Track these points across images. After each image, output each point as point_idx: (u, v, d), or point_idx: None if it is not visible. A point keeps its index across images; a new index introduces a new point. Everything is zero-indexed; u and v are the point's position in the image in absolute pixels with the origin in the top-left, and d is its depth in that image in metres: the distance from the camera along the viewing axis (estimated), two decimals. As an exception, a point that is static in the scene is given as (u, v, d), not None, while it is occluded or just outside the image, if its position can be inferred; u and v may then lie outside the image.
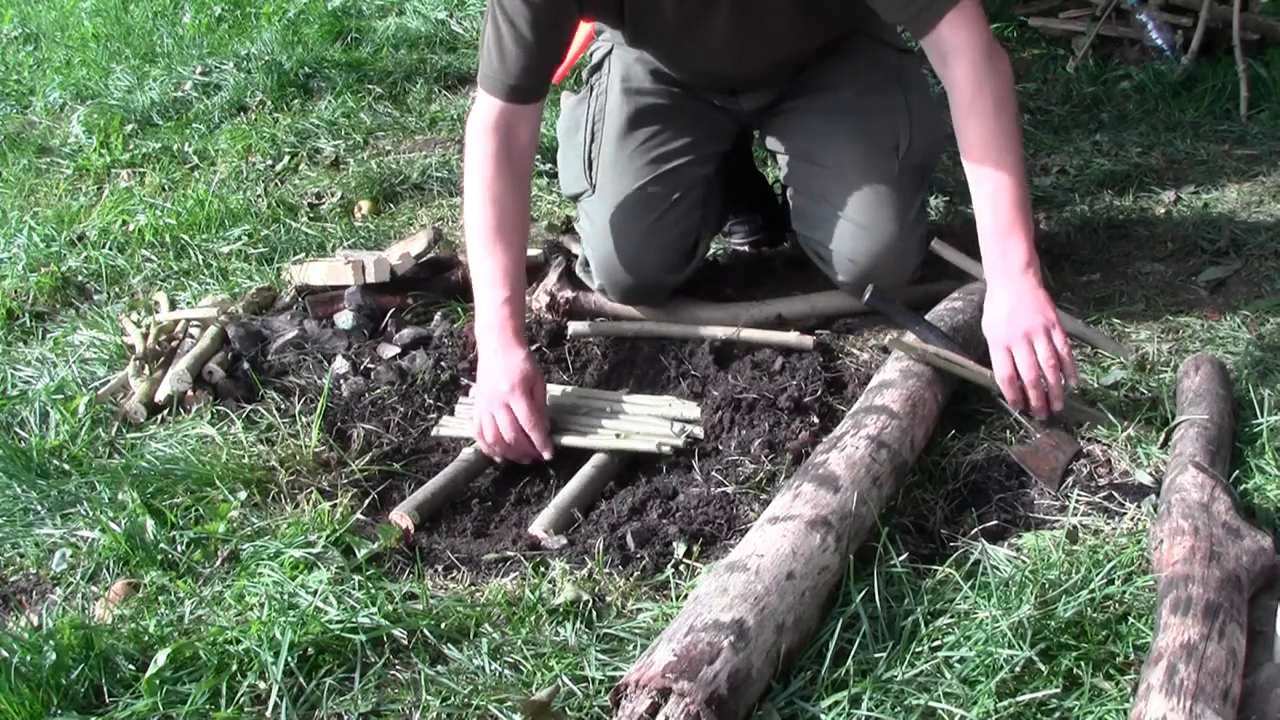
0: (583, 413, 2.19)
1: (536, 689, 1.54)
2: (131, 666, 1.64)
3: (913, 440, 1.91)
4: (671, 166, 2.47)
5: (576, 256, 2.74)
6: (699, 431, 2.12)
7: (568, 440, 2.11)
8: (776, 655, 1.47)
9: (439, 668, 1.61)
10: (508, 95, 2.22)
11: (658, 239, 2.41)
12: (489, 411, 2.08)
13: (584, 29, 2.65)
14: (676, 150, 2.48)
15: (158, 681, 1.59)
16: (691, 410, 2.17)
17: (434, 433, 2.22)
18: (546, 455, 2.08)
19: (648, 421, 2.15)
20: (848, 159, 2.42)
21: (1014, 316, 1.97)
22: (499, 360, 2.12)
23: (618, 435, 2.11)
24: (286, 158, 3.80)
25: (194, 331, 2.58)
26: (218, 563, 1.89)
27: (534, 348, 2.42)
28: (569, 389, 2.29)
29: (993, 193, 2.04)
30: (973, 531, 1.78)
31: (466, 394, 2.31)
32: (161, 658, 1.60)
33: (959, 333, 2.18)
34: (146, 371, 2.44)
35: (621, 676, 1.43)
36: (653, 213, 2.43)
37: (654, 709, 1.35)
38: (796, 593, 1.52)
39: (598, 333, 2.46)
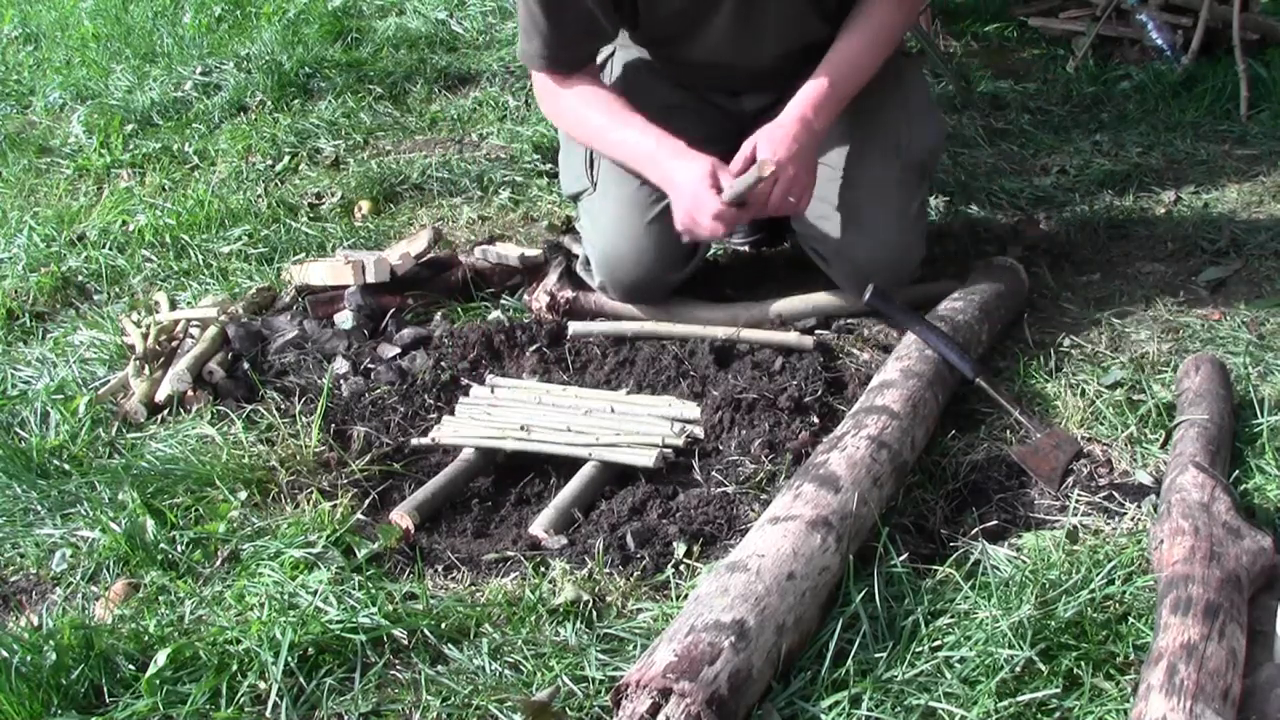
0: (582, 413, 2.19)
1: (536, 689, 1.54)
2: (131, 666, 1.64)
3: (913, 440, 1.91)
4: None
5: (577, 256, 2.74)
6: (699, 431, 2.12)
7: (558, 449, 2.10)
8: (777, 655, 1.47)
9: (439, 668, 1.61)
10: (550, 67, 2.41)
11: (658, 237, 2.41)
12: (689, 213, 2.24)
13: None
14: None
15: (158, 681, 1.59)
16: (691, 410, 2.17)
17: (431, 436, 2.20)
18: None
19: (647, 421, 2.15)
20: (847, 159, 2.42)
21: (799, 159, 2.20)
22: (681, 164, 2.26)
23: (617, 435, 2.10)
24: (286, 158, 3.80)
25: (194, 331, 2.58)
26: (218, 563, 1.89)
27: (534, 348, 2.43)
28: (568, 388, 2.29)
29: (834, 72, 2.27)
30: (973, 531, 1.78)
31: (467, 394, 2.31)
32: (161, 658, 1.60)
33: (959, 333, 2.18)
34: (146, 371, 2.44)
35: (621, 676, 1.43)
36: (654, 210, 2.43)
37: (655, 709, 1.35)
38: (797, 593, 1.52)
39: (598, 332, 2.46)
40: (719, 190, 2.20)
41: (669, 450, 2.07)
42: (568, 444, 2.10)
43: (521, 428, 2.15)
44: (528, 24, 2.35)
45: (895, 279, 2.38)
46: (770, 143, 2.21)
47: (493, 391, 2.30)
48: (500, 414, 2.22)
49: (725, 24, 2.34)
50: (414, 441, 2.20)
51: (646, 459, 2.03)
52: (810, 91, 2.27)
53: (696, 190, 2.21)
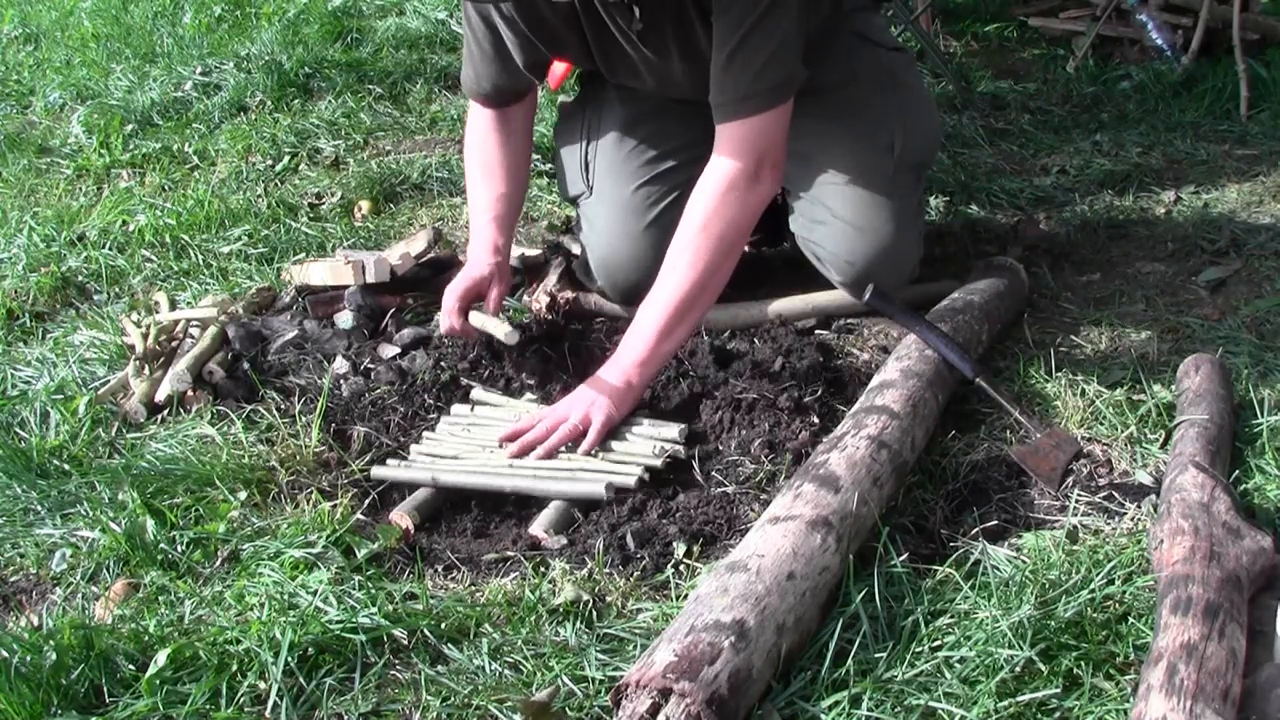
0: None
1: (536, 689, 1.54)
2: (131, 666, 1.64)
3: (913, 441, 1.91)
4: (668, 166, 2.48)
5: (576, 257, 2.74)
6: (679, 451, 2.06)
7: (516, 485, 2.02)
8: (777, 656, 1.47)
9: (439, 668, 1.61)
10: (487, 101, 2.45)
11: (656, 239, 2.41)
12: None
13: None
14: (673, 150, 2.49)
15: (158, 681, 1.59)
16: (670, 430, 2.10)
17: (375, 472, 2.11)
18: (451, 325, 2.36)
19: (626, 440, 2.10)
20: (842, 160, 2.41)
21: (570, 408, 2.08)
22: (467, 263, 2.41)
23: (595, 454, 2.06)
24: (286, 158, 3.80)
25: (194, 331, 2.58)
26: (218, 563, 1.89)
27: (534, 349, 2.42)
28: (544, 407, 2.22)
29: (658, 327, 2.10)
30: (973, 531, 1.78)
31: (449, 412, 2.27)
32: (161, 658, 1.60)
33: (959, 333, 2.18)
34: (146, 371, 2.44)
35: (621, 676, 1.43)
36: (651, 213, 2.43)
37: (655, 709, 1.35)
38: (797, 593, 1.52)
39: (403, 480, 2.14)
40: (480, 296, 2.37)
41: (640, 476, 1.98)
42: (524, 477, 2.02)
43: (501, 445, 2.10)
44: (469, 55, 2.44)
45: (893, 279, 2.38)
46: (580, 399, 2.10)
47: (473, 409, 2.25)
48: (479, 432, 2.17)
49: (684, 80, 2.32)
50: (374, 471, 2.10)
51: (598, 486, 1.96)
52: (633, 347, 2.12)
53: (450, 290, 2.36)
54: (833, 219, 2.40)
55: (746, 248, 2.87)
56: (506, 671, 1.59)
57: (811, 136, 2.45)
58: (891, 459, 1.82)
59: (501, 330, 2.34)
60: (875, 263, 2.37)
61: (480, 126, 2.49)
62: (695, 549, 1.81)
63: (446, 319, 2.36)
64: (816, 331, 2.47)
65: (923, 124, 2.48)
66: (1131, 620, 1.56)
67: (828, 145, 2.42)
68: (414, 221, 3.29)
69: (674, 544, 1.82)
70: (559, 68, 2.55)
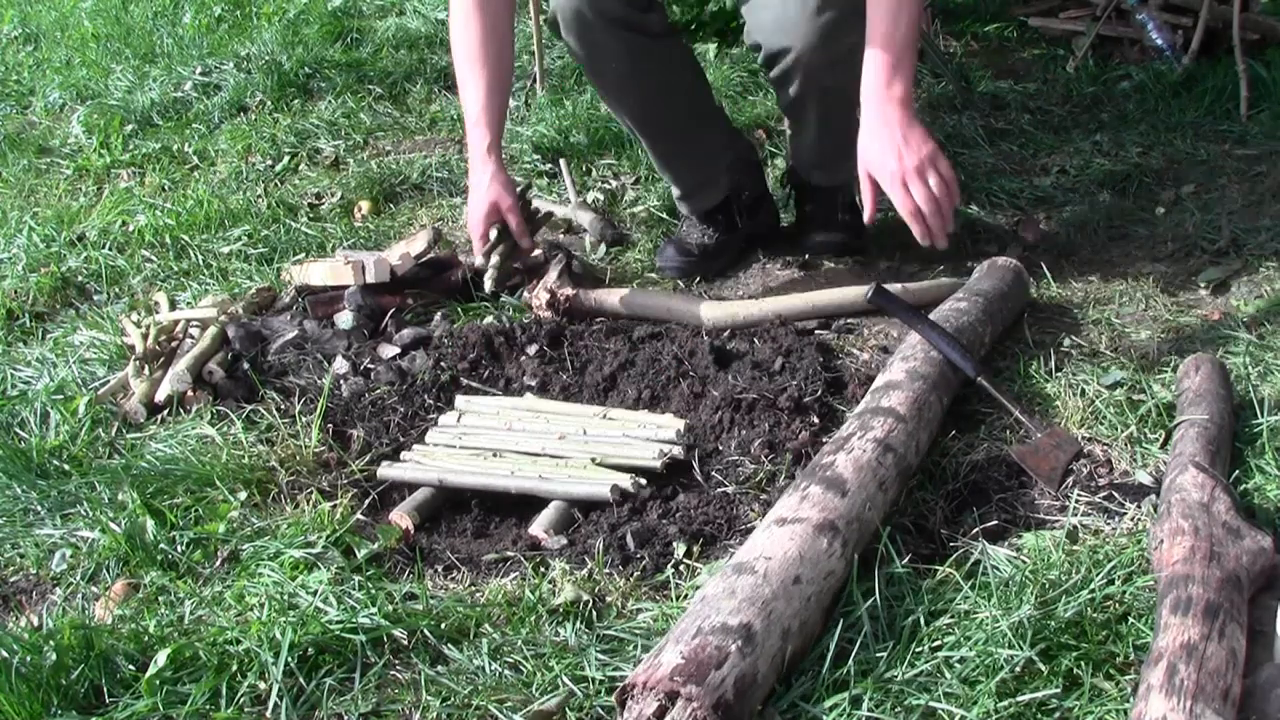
0: (554, 436, 2.14)
1: (536, 689, 1.54)
2: (131, 666, 1.64)
3: (918, 445, 1.91)
4: None
5: (576, 256, 2.74)
6: (679, 452, 2.06)
7: (521, 486, 2.02)
8: (781, 660, 1.47)
9: (439, 668, 1.61)
10: None
11: None
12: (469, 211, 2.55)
13: None
14: None
15: (158, 681, 1.59)
16: (668, 431, 2.10)
17: (380, 473, 2.12)
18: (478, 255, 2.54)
19: (624, 443, 2.11)
20: None
21: (904, 150, 2.08)
22: (471, 184, 2.55)
23: (592, 460, 2.06)
24: (286, 158, 3.80)
25: (194, 331, 2.58)
26: (218, 563, 1.89)
27: (534, 350, 2.42)
28: (540, 412, 2.23)
29: (885, 33, 2.12)
30: (973, 531, 1.78)
31: (469, 399, 2.29)
32: (161, 658, 1.60)
33: (963, 334, 2.18)
34: (146, 371, 2.44)
35: (621, 677, 1.43)
36: None
37: (660, 711, 1.34)
38: (803, 598, 1.52)
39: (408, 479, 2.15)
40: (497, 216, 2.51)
41: (639, 480, 1.99)
42: (529, 478, 2.03)
43: (494, 453, 2.12)
44: None
45: (809, 64, 2.41)
46: (870, 148, 2.14)
47: (459, 420, 2.25)
48: (471, 440, 2.16)
49: None
50: (380, 471, 2.11)
51: (604, 488, 1.96)
52: (880, 55, 2.13)
53: (475, 206, 2.53)
54: None
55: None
56: (506, 672, 1.59)
57: None
58: (897, 463, 1.82)
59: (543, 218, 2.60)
60: (779, 27, 2.40)
61: (461, 11, 2.50)
62: (695, 549, 1.81)
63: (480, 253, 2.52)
64: (816, 331, 2.46)
65: None
66: (1131, 620, 1.56)
67: None
68: (414, 221, 3.29)
69: (674, 544, 1.82)
70: None
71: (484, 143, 2.51)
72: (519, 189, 2.65)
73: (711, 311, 2.51)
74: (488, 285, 2.53)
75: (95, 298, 3.02)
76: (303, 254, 3.04)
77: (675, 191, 2.85)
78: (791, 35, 2.42)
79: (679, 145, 2.79)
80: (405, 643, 1.66)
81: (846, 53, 2.27)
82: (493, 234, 2.53)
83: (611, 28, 2.50)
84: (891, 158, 2.10)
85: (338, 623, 1.66)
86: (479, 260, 2.54)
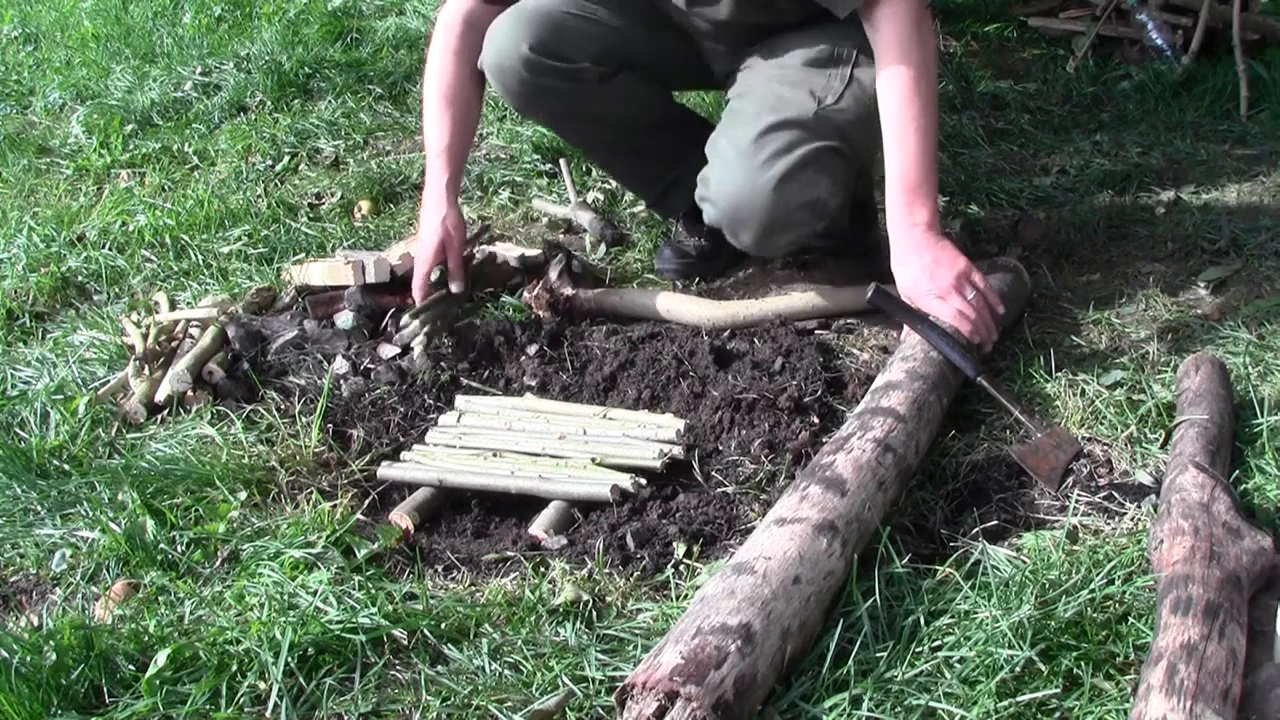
0: (554, 436, 2.14)
1: (536, 689, 1.54)
2: (131, 666, 1.64)
3: (918, 445, 1.91)
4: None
5: (576, 255, 2.74)
6: (679, 452, 2.06)
7: (521, 486, 2.02)
8: (781, 660, 1.47)
9: (439, 668, 1.61)
10: None
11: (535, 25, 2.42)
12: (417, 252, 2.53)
13: None
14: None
15: (158, 681, 1.59)
16: (668, 431, 2.09)
17: (380, 473, 2.12)
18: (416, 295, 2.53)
19: (624, 443, 2.10)
20: (761, 74, 2.37)
21: (936, 272, 2.14)
22: (422, 218, 2.55)
23: (592, 459, 2.06)
24: (286, 158, 3.81)
25: (194, 331, 2.58)
26: (218, 563, 1.89)
27: (534, 350, 2.42)
28: (540, 413, 2.23)
29: (903, 155, 2.16)
30: (973, 531, 1.78)
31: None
32: (161, 658, 1.60)
33: (962, 334, 2.18)
34: (146, 371, 2.44)
35: (621, 677, 1.43)
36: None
37: (660, 711, 1.34)
38: (802, 598, 1.52)
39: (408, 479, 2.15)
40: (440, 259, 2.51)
41: (638, 481, 1.99)
42: (529, 478, 2.03)
43: (494, 453, 2.11)
44: None
45: (734, 221, 2.30)
46: (936, 256, 2.16)
47: (459, 420, 2.24)
48: (471, 440, 2.16)
49: None
50: (380, 471, 2.11)
51: (604, 488, 1.96)
52: (899, 183, 2.17)
53: (423, 246, 2.52)
54: (718, 147, 2.33)
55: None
56: (506, 672, 1.59)
57: (752, 79, 2.41)
58: (896, 463, 1.82)
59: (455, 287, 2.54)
60: (724, 193, 2.30)
61: (441, 47, 2.53)
62: (695, 549, 1.81)
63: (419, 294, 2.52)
64: (816, 331, 2.47)
65: (862, 93, 2.30)
66: (1131, 620, 1.56)
67: (757, 85, 2.37)
68: (414, 221, 3.28)
69: (674, 544, 1.82)
70: None
71: (443, 178, 2.51)
72: (479, 229, 2.64)
73: (711, 311, 2.51)
74: (416, 348, 2.43)
75: (95, 298, 3.02)
76: (303, 254, 3.04)
77: (643, 201, 2.84)
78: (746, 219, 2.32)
79: (624, 164, 2.80)
80: (405, 643, 1.66)
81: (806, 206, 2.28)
82: (434, 275, 2.52)
83: (543, 80, 2.45)
84: (926, 281, 2.15)
85: (338, 623, 1.66)
86: (418, 300, 2.51)
